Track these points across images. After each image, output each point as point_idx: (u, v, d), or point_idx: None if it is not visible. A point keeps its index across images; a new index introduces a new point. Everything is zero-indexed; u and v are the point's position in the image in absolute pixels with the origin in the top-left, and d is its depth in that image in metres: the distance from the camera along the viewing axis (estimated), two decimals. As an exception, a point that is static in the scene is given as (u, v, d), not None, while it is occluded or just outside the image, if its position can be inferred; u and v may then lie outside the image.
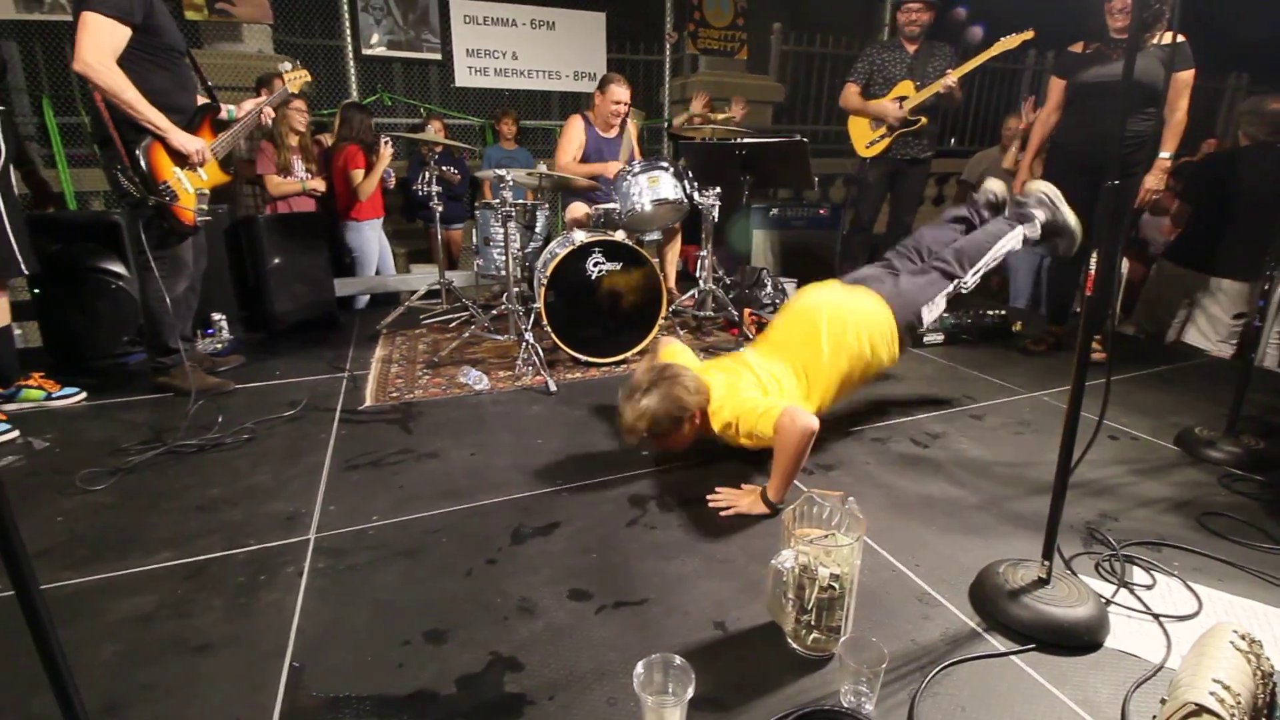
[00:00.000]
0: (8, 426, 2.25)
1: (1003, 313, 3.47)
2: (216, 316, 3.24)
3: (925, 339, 3.24)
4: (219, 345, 3.15)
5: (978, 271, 2.21)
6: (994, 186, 2.45)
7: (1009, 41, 3.26)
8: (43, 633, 0.88)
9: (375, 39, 5.11)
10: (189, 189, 2.44)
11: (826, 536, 1.29)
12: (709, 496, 1.83)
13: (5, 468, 2.10)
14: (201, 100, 2.55)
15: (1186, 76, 2.67)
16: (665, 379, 1.84)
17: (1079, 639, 1.30)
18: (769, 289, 3.48)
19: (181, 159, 2.40)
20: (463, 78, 5.42)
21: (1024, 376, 2.87)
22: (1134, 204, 2.79)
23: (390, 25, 5.10)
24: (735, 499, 1.80)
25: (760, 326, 3.20)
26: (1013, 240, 2.26)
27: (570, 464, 2.07)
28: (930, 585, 1.49)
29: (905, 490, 1.92)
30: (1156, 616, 1.39)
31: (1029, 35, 3.25)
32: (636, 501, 1.83)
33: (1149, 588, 1.49)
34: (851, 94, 3.77)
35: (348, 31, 4.92)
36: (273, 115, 2.74)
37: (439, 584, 1.49)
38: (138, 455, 2.09)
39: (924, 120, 3.61)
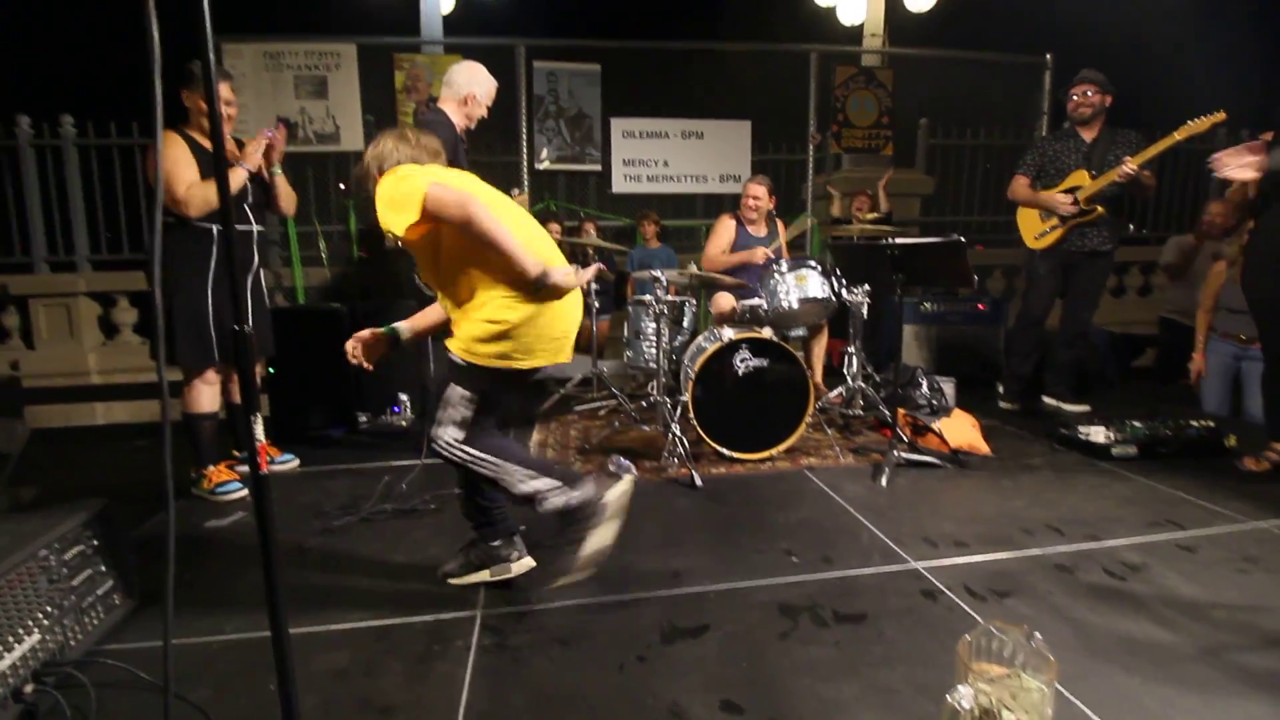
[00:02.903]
0: (239, 485, 2.69)
1: (1211, 424, 3.03)
2: (403, 396, 3.67)
3: (1114, 451, 2.90)
4: (404, 422, 3.55)
5: (465, 454, 1.76)
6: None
7: (1198, 124, 3.02)
8: (286, 681, 1.03)
9: (545, 154, 5.80)
10: None
11: (1009, 676, 1.18)
12: None
13: (236, 522, 2.49)
14: None
15: None
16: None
17: None
18: (924, 388, 3.33)
19: None
20: (618, 184, 5.94)
21: (1244, 502, 2.46)
22: None
23: (560, 143, 5.77)
24: None
25: (915, 428, 3.06)
26: (509, 476, 1.77)
27: (717, 563, 2.06)
28: (1140, 749, 1.29)
29: (1100, 629, 1.69)
30: None
31: (1220, 118, 2.99)
32: (787, 611, 1.77)
33: None
34: (1020, 185, 3.64)
35: (524, 150, 5.63)
36: None
37: (593, 676, 1.53)
38: (339, 520, 2.38)
39: (1100, 210, 3.39)
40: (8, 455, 2.83)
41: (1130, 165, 3.19)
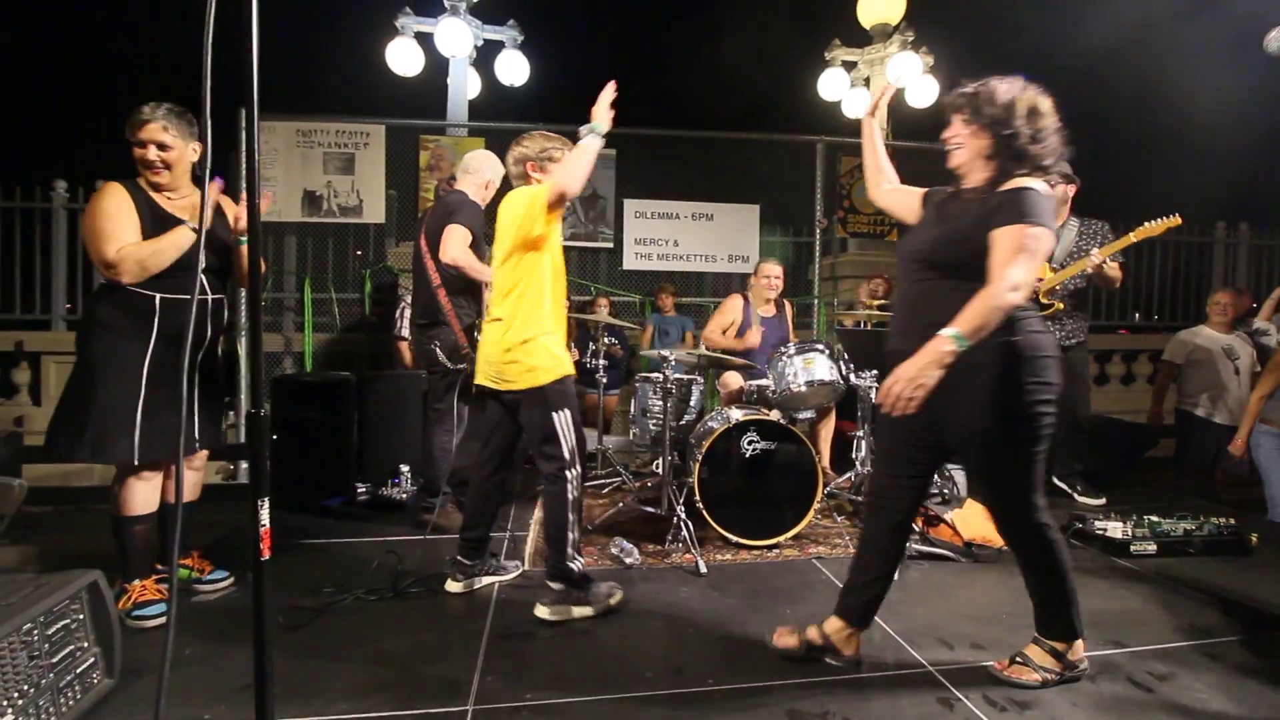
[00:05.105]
0: (163, 607, 2.14)
1: (1233, 521, 2.94)
2: (404, 468, 3.63)
3: (1133, 548, 2.81)
4: (403, 495, 3.50)
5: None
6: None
7: (1154, 228, 3.01)
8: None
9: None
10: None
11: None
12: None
13: (224, 598, 2.40)
14: None
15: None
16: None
17: None
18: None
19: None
20: (629, 262, 6.09)
21: (1274, 605, 2.35)
22: None
23: (574, 221, 5.96)
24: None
25: (927, 518, 2.99)
26: None
27: (721, 660, 1.97)
28: None
29: (1131, 749, 1.59)
30: None
31: (1175, 222, 2.98)
32: (797, 718, 1.68)
33: None
34: None
35: (539, 226, 5.80)
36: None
37: (589, 785, 1.43)
38: (330, 599, 2.30)
39: (1059, 305, 3.37)
40: (1, 516, 2.78)
41: (1098, 257, 3.14)
